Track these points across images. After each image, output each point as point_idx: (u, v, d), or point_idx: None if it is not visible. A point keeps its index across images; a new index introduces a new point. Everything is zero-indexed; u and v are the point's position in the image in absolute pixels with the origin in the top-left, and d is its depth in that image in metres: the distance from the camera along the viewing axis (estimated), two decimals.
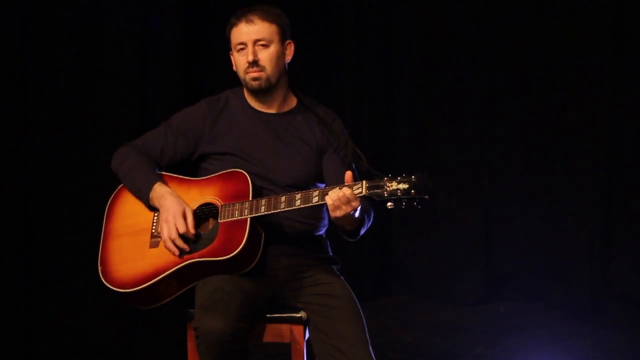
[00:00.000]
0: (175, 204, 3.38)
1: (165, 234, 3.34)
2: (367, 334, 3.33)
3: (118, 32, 4.85)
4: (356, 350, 3.27)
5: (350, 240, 3.42)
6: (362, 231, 3.40)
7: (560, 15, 5.36)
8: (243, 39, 3.47)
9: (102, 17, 4.83)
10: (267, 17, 3.49)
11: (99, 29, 4.83)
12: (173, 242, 3.34)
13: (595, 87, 5.33)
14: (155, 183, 3.44)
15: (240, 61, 3.50)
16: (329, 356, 3.29)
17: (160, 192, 3.42)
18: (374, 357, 3.29)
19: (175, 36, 4.97)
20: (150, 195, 3.43)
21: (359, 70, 5.59)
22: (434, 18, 5.53)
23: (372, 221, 3.46)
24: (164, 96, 4.93)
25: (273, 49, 3.48)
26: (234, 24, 3.50)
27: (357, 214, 3.26)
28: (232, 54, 3.55)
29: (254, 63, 3.46)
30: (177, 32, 4.97)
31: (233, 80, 3.70)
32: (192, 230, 3.35)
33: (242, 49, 3.48)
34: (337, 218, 3.24)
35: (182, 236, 3.34)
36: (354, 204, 3.20)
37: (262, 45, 3.47)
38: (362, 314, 3.37)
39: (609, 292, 5.43)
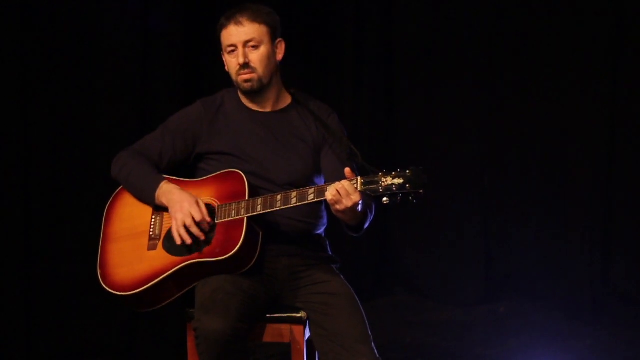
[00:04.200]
0: (186, 195, 3.38)
1: (179, 221, 3.32)
2: (368, 329, 3.32)
3: (118, 32, 4.85)
4: (358, 345, 3.27)
5: (354, 235, 3.41)
6: (366, 225, 3.40)
7: (561, 15, 5.37)
8: (233, 40, 3.46)
9: (102, 17, 4.83)
10: (256, 18, 3.47)
11: (99, 29, 4.83)
12: (188, 229, 3.32)
13: (596, 87, 5.34)
14: (161, 181, 3.44)
15: (231, 63, 3.49)
16: (332, 353, 3.28)
17: (168, 188, 3.42)
18: (376, 352, 3.29)
19: (175, 36, 4.97)
20: (157, 193, 3.43)
21: (359, 70, 5.59)
22: (434, 17, 5.53)
23: (374, 215, 3.45)
24: (164, 96, 4.93)
25: (263, 49, 3.47)
26: (224, 26, 3.49)
27: (359, 208, 3.26)
28: (223, 55, 3.55)
29: (245, 65, 3.45)
30: (177, 32, 4.97)
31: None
32: (207, 218, 3.34)
33: (232, 51, 3.47)
34: (338, 212, 3.23)
35: (197, 225, 3.33)
36: (354, 197, 3.19)
37: (253, 46, 3.46)
38: (362, 310, 3.37)
39: (609, 292, 5.43)
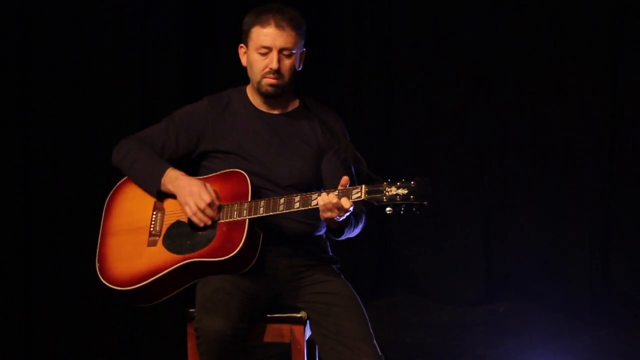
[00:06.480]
0: (193, 180, 3.39)
1: (192, 206, 3.33)
2: (370, 328, 3.33)
3: (118, 32, 4.85)
4: (361, 344, 3.28)
5: (335, 239, 3.44)
6: (350, 233, 3.41)
7: (561, 15, 5.36)
8: (269, 43, 3.43)
9: (102, 17, 4.83)
10: (295, 26, 3.45)
11: (99, 29, 4.83)
12: (203, 211, 3.33)
13: (596, 87, 5.33)
14: (167, 168, 3.44)
15: (258, 63, 3.45)
16: (335, 352, 3.29)
17: (174, 174, 3.42)
18: (379, 350, 3.30)
19: (175, 36, 4.97)
20: (163, 180, 3.42)
21: (358, 73, 5.58)
22: (434, 20, 5.52)
23: (364, 224, 3.46)
24: (164, 96, 4.93)
25: (294, 58, 3.47)
26: (262, 24, 3.44)
27: (341, 218, 3.27)
28: (245, 50, 3.51)
29: (277, 71, 3.44)
30: (177, 32, 4.97)
31: (233, 80, 3.69)
32: (216, 201, 3.35)
33: (265, 53, 3.44)
34: (325, 219, 3.26)
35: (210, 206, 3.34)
36: (341, 212, 3.21)
37: (286, 54, 3.44)
38: (364, 309, 3.38)
39: (609, 292, 5.42)
